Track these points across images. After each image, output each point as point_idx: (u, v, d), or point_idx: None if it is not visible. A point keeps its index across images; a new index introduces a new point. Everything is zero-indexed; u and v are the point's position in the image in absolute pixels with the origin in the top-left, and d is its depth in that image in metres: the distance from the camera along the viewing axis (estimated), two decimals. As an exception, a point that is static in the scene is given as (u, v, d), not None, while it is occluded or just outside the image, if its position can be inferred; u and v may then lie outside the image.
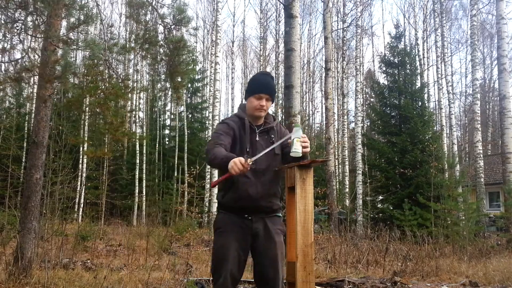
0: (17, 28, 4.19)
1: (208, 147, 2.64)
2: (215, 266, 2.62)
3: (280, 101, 27.18)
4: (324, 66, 16.30)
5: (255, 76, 2.87)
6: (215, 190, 12.33)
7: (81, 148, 18.10)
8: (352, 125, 26.54)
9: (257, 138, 2.68)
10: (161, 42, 5.25)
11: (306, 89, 32.71)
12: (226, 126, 2.68)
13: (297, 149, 2.79)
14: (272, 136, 2.72)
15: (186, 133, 22.86)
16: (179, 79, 5.53)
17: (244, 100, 2.83)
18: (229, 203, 2.64)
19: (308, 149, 2.63)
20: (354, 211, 16.15)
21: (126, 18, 19.86)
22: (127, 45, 6.00)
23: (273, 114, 2.85)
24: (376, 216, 15.12)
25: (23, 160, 18.85)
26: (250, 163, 2.43)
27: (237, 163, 2.36)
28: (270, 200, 2.69)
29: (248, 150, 2.63)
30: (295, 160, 2.66)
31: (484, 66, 34.84)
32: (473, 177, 18.50)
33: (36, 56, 4.77)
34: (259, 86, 2.69)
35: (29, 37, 4.56)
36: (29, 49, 4.42)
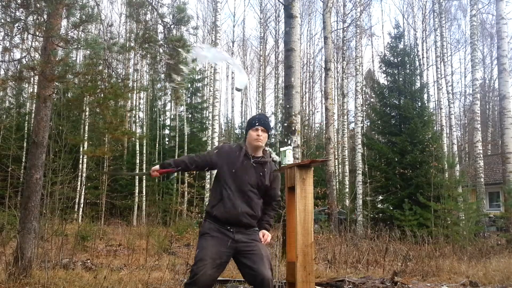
0: (18, 27, 4.19)
1: None
2: (194, 265, 2.95)
3: (280, 101, 27.19)
4: (324, 66, 16.30)
5: (251, 116, 3.41)
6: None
7: (81, 148, 18.10)
8: (352, 125, 26.54)
9: (250, 166, 3.13)
10: (161, 41, 5.24)
11: (306, 89, 32.72)
12: (212, 152, 3.26)
13: (289, 160, 3.30)
14: (265, 169, 3.17)
15: (186, 133, 22.86)
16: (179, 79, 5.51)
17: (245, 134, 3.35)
18: (216, 214, 3.06)
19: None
20: (354, 211, 16.14)
21: (126, 17, 19.85)
22: (127, 45, 6.00)
23: (271, 152, 3.33)
24: (376, 216, 15.12)
25: (23, 160, 18.84)
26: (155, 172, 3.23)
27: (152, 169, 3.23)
28: (249, 219, 3.09)
29: (234, 171, 3.09)
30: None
31: (484, 66, 34.87)
32: (473, 177, 18.50)
33: (37, 55, 4.77)
34: (254, 120, 3.23)
35: (29, 36, 4.55)
36: (32, 48, 4.41)
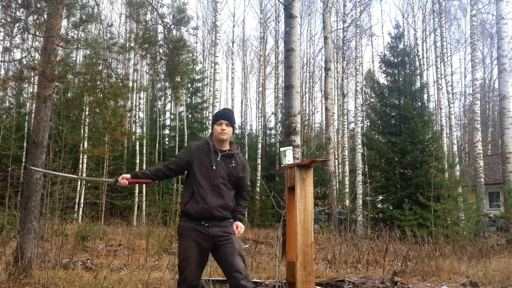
0: (19, 27, 4.19)
1: None
2: (180, 264, 3.17)
3: (280, 101, 27.19)
4: (324, 66, 16.30)
5: (217, 111, 3.60)
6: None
7: (81, 148, 18.11)
8: (352, 125, 26.55)
9: (218, 159, 3.26)
10: (161, 41, 5.24)
11: (306, 89, 32.71)
12: (182, 154, 3.39)
13: (289, 160, 3.58)
14: (233, 161, 3.30)
15: (186, 133, 22.87)
16: (179, 79, 5.52)
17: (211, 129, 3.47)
18: (189, 211, 3.17)
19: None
20: (354, 211, 16.14)
21: (126, 17, 19.83)
22: (127, 45, 6.00)
23: (237, 144, 3.47)
24: (376, 216, 15.12)
25: (23, 160, 18.84)
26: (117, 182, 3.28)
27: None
28: (222, 211, 3.19)
29: (204, 166, 3.23)
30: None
31: (484, 66, 34.85)
32: (473, 177, 18.50)
33: (37, 55, 4.77)
34: (218, 115, 3.37)
35: (30, 36, 4.55)
36: (32, 48, 4.41)
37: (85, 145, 18.23)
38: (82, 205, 18.07)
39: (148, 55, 5.38)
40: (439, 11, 20.84)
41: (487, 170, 21.46)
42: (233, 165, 3.28)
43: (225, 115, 3.36)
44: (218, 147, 3.30)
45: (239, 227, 3.28)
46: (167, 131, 28.00)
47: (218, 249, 3.16)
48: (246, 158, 26.23)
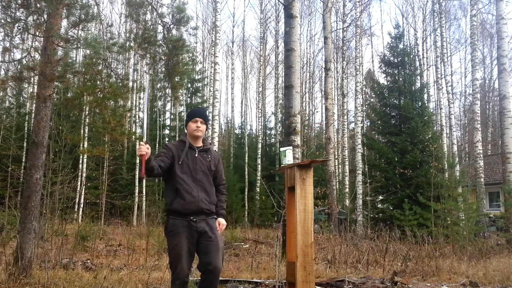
0: (19, 27, 4.19)
1: None
2: (171, 262, 3.26)
3: (280, 101, 27.18)
4: (324, 66, 16.29)
5: (190, 110, 3.78)
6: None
7: (81, 148, 18.10)
8: (352, 125, 26.54)
9: (196, 155, 3.40)
10: (160, 41, 5.24)
11: (306, 89, 32.70)
12: (165, 149, 3.45)
13: (289, 160, 3.68)
14: (209, 155, 3.46)
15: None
16: (178, 79, 5.52)
17: (185, 128, 3.62)
18: (177, 208, 3.26)
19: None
20: (354, 211, 16.14)
21: (126, 17, 19.83)
22: (126, 45, 5.99)
23: (210, 141, 3.61)
24: (376, 216, 15.11)
25: (23, 160, 18.83)
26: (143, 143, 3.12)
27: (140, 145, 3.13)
28: (208, 204, 3.33)
29: (184, 163, 3.34)
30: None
31: (484, 66, 34.84)
32: (473, 177, 18.49)
33: (37, 55, 4.77)
34: (193, 113, 3.54)
35: (29, 36, 4.55)
36: (32, 48, 4.41)
37: (85, 145, 18.23)
38: (82, 205, 18.07)
39: (148, 55, 5.38)
40: (439, 11, 20.83)
41: (487, 170, 21.46)
42: (210, 159, 3.44)
43: (200, 113, 3.53)
44: (194, 144, 3.44)
45: (221, 224, 3.41)
46: (167, 131, 27.99)
47: (201, 243, 3.26)
48: (246, 158, 26.24)
